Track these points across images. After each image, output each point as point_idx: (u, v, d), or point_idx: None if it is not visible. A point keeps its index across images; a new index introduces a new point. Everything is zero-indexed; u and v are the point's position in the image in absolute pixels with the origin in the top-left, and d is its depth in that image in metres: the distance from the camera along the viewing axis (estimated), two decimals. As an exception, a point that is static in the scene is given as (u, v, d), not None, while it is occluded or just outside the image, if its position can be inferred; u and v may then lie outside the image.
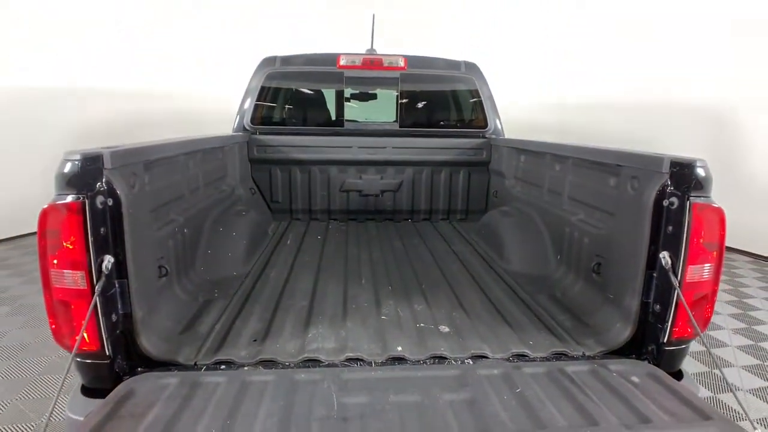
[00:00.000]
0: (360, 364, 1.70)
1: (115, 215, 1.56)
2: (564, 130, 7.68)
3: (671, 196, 1.67)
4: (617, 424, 1.34)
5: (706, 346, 1.66)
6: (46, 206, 1.43)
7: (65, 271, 1.47)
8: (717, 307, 3.83)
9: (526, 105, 8.19)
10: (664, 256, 1.67)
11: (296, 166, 3.86)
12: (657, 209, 1.71)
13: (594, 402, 1.45)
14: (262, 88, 3.83)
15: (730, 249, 6.03)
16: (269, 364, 1.69)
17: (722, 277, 4.88)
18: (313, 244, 3.28)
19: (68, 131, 6.22)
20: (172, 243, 2.16)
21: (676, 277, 1.64)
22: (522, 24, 8.30)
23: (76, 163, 1.44)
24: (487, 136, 3.95)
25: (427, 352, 1.78)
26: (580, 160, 2.41)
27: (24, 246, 5.77)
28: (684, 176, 1.64)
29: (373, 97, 4.35)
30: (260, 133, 3.80)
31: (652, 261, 1.73)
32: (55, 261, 1.45)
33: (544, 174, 2.92)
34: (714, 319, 3.90)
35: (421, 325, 2.03)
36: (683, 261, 1.63)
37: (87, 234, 1.45)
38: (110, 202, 1.54)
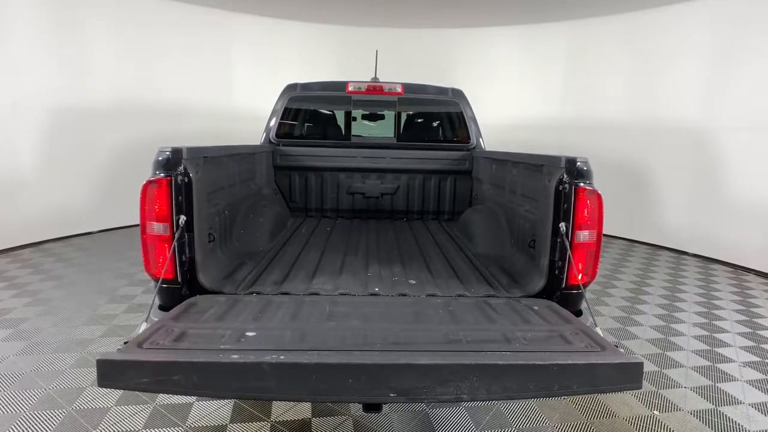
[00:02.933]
0: (348, 296, 2.46)
1: (188, 190, 2.37)
2: (564, 147, 8.39)
3: (565, 183, 2.41)
4: (508, 323, 2.06)
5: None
6: (146, 181, 2.25)
7: (155, 223, 2.28)
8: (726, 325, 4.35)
9: (532, 125, 8.93)
10: (562, 226, 2.40)
11: (311, 172, 4.68)
12: (557, 193, 2.44)
13: (498, 314, 2.18)
14: (285, 109, 4.70)
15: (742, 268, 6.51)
16: (285, 295, 2.46)
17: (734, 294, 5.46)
18: (322, 232, 4.06)
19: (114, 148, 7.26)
20: (217, 219, 2.96)
21: (568, 239, 2.36)
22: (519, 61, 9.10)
23: (167, 153, 2.26)
24: (469, 149, 4.73)
25: (395, 291, 2.53)
26: (524, 163, 3.16)
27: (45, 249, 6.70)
28: (572, 169, 2.38)
29: (381, 117, 5.19)
30: (283, 145, 4.64)
31: (556, 230, 2.45)
32: (151, 216, 2.26)
33: (505, 177, 3.66)
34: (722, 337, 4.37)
35: (395, 279, 2.78)
36: (572, 227, 2.35)
37: (171, 200, 2.26)
38: (186, 180, 2.35)
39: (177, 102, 7.98)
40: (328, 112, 5.02)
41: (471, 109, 4.75)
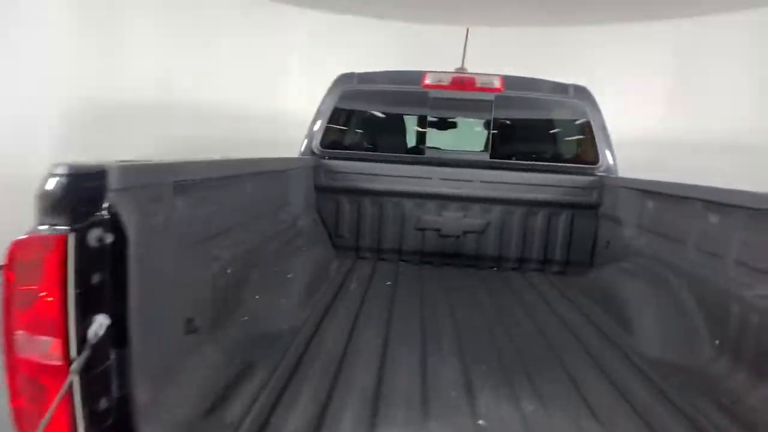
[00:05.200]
0: None
1: (119, 257, 1.09)
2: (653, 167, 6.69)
3: None
4: None
5: None
6: (18, 239, 0.99)
7: (37, 336, 1.00)
8: None
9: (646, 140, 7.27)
10: None
11: (366, 196, 3.36)
12: None
13: None
14: (336, 109, 3.43)
15: None
16: None
17: None
18: (381, 291, 2.72)
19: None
20: (210, 289, 1.68)
21: None
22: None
23: (65, 179, 0.98)
24: (597, 173, 3.26)
25: None
26: (757, 210, 1.72)
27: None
28: None
29: (452, 125, 3.83)
30: (329, 158, 3.37)
31: None
32: (24, 320, 0.99)
33: (689, 226, 2.21)
34: None
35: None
36: None
37: (72, 283, 0.98)
38: (112, 238, 1.07)
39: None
40: (395, 114, 3.71)
41: (601, 115, 3.31)
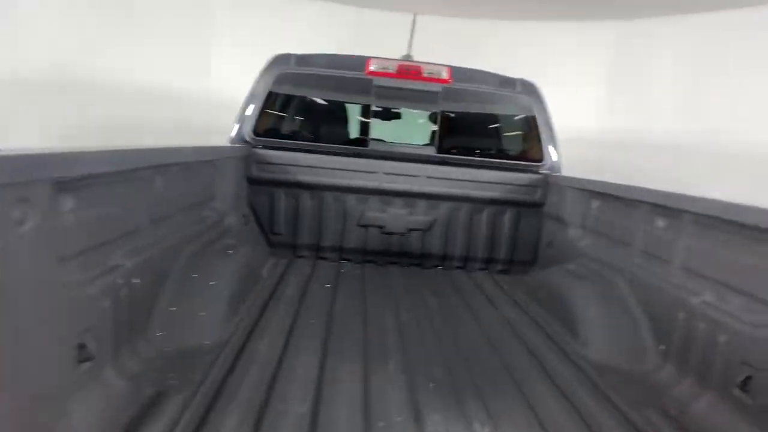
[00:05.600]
0: None
1: None
2: (602, 167, 6.93)
3: None
4: None
5: None
6: None
7: None
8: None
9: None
10: None
11: (305, 190, 3.10)
12: None
13: None
14: (270, 93, 3.12)
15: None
16: None
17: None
18: (320, 296, 2.49)
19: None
20: (110, 304, 1.39)
21: None
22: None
23: None
24: (542, 171, 3.21)
25: None
26: (709, 217, 1.69)
27: None
28: None
29: (396, 116, 3.64)
30: (263, 147, 3.06)
31: None
32: None
33: (635, 229, 2.17)
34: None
35: None
36: None
37: None
38: None
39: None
40: (336, 102, 3.45)
41: (547, 112, 3.25)
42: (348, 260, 3.18)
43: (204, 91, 6.77)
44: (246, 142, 3.07)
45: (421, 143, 3.33)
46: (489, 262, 3.26)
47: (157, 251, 1.72)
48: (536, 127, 3.23)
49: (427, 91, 3.15)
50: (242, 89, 3.22)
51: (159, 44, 6.49)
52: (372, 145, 3.21)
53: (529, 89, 3.25)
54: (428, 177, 3.09)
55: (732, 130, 5.92)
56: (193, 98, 6.67)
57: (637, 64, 7.06)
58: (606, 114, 7.24)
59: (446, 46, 7.31)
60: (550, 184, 3.14)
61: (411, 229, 3.16)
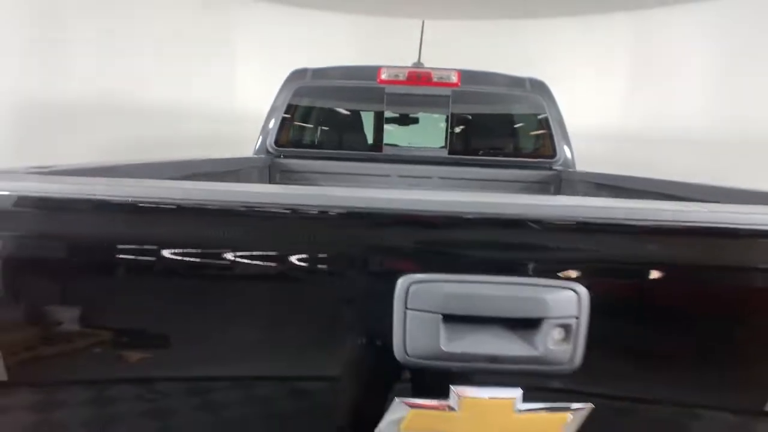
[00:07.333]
0: None
1: None
2: (624, 163, 6.85)
3: None
4: None
5: None
6: None
7: None
8: None
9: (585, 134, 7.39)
10: None
11: None
12: None
13: None
14: (290, 106, 3.32)
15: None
16: None
17: None
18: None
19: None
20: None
21: None
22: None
23: None
24: (555, 167, 3.27)
25: None
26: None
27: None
28: None
29: (409, 121, 3.77)
30: (285, 157, 3.25)
31: None
32: None
33: None
34: None
35: None
36: None
37: None
38: None
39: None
40: (351, 111, 3.63)
41: (558, 109, 3.32)
42: None
43: (228, 105, 7.12)
44: (269, 152, 3.27)
45: (434, 146, 3.45)
46: None
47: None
48: (547, 123, 3.30)
49: (438, 95, 3.27)
50: (266, 103, 3.45)
51: (186, 64, 6.84)
52: (386, 150, 3.34)
53: (539, 88, 3.33)
54: (441, 178, 3.20)
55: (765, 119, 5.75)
56: (218, 113, 7.02)
57: (660, 54, 6.96)
58: (629, 108, 7.16)
59: (465, 47, 7.43)
60: (564, 179, 3.19)
61: None
